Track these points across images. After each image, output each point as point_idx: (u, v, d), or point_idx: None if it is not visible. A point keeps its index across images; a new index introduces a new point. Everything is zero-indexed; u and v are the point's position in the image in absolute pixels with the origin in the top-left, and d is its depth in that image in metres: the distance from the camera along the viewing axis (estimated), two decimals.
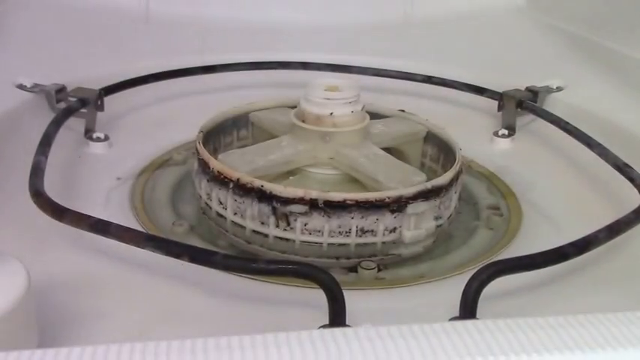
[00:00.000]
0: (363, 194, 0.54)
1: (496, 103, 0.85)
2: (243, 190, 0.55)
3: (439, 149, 0.70)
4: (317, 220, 0.54)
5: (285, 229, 0.55)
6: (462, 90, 0.88)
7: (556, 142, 0.78)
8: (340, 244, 0.55)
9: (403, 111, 0.73)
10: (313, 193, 0.54)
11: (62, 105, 0.76)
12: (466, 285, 0.45)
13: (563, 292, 0.53)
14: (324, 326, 0.43)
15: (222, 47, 0.97)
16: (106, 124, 0.78)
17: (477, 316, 0.44)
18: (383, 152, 0.64)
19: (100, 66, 0.87)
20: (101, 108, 0.78)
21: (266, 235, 0.56)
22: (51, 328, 0.44)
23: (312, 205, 0.53)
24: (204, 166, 0.59)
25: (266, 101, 0.73)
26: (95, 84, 0.79)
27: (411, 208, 0.55)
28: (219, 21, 1.06)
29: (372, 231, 0.55)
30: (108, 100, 0.78)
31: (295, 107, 0.66)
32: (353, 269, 0.56)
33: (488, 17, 1.12)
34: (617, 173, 0.65)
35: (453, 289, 0.46)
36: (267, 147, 0.63)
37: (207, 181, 0.58)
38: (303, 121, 0.63)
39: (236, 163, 0.59)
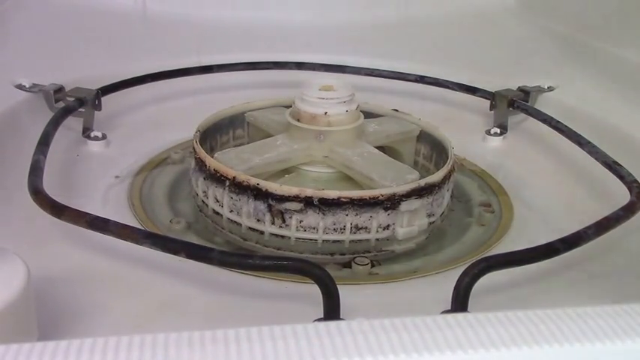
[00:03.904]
0: (357, 192, 0.55)
1: (488, 102, 0.86)
2: (239, 188, 0.56)
3: (432, 148, 0.71)
4: (312, 218, 0.55)
5: (280, 226, 0.56)
6: (454, 89, 0.88)
7: (547, 141, 0.79)
8: (335, 241, 0.56)
9: (397, 110, 0.74)
10: (308, 191, 0.54)
11: (60, 104, 0.76)
12: (458, 280, 0.45)
13: (553, 286, 0.54)
14: (318, 320, 0.44)
15: (218, 48, 0.98)
16: (103, 123, 0.79)
17: (469, 309, 0.45)
18: (377, 151, 0.64)
19: (97, 66, 0.87)
20: (99, 107, 0.78)
21: (262, 232, 0.56)
22: (50, 322, 0.44)
23: (307, 202, 0.54)
24: (201, 164, 0.60)
25: (262, 101, 0.73)
26: (93, 84, 0.79)
27: (404, 206, 0.56)
28: (216, 22, 1.06)
29: (366, 228, 0.56)
30: (105, 99, 0.79)
31: (290, 107, 0.66)
32: (347, 265, 0.56)
33: (481, 18, 1.12)
34: (606, 171, 0.66)
35: (445, 283, 0.46)
36: (262, 146, 0.64)
37: (204, 179, 0.59)
38: (299, 120, 0.63)
39: (232, 161, 0.59)
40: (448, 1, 1.16)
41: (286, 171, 0.63)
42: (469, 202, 0.69)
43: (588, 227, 0.53)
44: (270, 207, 0.55)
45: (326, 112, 0.63)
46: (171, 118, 0.83)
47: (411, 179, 0.59)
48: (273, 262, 0.47)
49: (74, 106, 0.75)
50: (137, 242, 0.48)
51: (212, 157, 0.60)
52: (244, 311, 0.50)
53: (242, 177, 0.56)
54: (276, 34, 1.04)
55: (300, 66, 0.92)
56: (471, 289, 0.45)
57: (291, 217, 0.55)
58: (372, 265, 0.56)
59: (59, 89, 0.77)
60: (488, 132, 0.84)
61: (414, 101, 0.88)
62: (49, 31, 0.96)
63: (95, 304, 0.48)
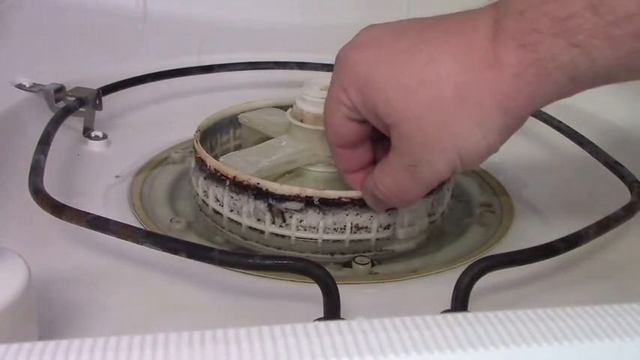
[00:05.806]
0: (358, 192, 0.55)
1: None
2: (239, 187, 0.56)
3: None
4: (312, 217, 0.55)
5: (280, 226, 0.55)
6: None
7: (548, 141, 0.79)
8: (335, 240, 0.56)
9: None
10: (309, 191, 0.54)
11: (61, 104, 0.76)
12: (458, 279, 0.46)
13: (554, 286, 0.54)
14: (319, 319, 0.44)
15: (219, 47, 0.98)
16: (104, 123, 0.79)
17: (469, 309, 0.45)
18: None
19: (98, 66, 0.87)
20: (99, 107, 0.78)
21: (262, 232, 0.56)
22: (51, 321, 0.45)
23: (308, 202, 0.54)
24: (201, 164, 0.60)
25: (261, 101, 0.73)
26: (94, 83, 0.79)
27: None
28: (217, 21, 1.06)
29: (367, 227, 0.56)
30: (106, 99, 0.79)
31: (283, 107, 0.66)
32: (347, 264, 0.56)
33: None
34: (607, 170, 0.66)
35: (446, 283, 0.47)
36: (267, 147, 0.63)
37: (204, 178, 0.59)
38: (302, 121, 0.63)
39: (239, 164, 0.59)
40: (452, 2, 1.15)
41: (288, 171, 0.63)
42: (470, 202, 0.69)
43: (589, 227, 0.53)
44: (270, 206, 0.55)
45: None
46: (172, 118, 0.83)
47: None
48: (274, 262, 0.47)
49: (75, 105, 0.75)
50: (137, 242, 0.48)
51: (213, 156, 0.59)
52: (244, 311, 0.50)
53: (242, 176, 0.56)
54: (278, 34, 1.04)
55: (301, 66, 0.91)
56: (471, 288, 0.45)
57: (291, 217, 0.55)
58: (373, 265, 0.56)
59: (60, 89, 0.77)
60: None
61: None
62: (49, 31, 0.96)
63: (95, 304, 0.48)
